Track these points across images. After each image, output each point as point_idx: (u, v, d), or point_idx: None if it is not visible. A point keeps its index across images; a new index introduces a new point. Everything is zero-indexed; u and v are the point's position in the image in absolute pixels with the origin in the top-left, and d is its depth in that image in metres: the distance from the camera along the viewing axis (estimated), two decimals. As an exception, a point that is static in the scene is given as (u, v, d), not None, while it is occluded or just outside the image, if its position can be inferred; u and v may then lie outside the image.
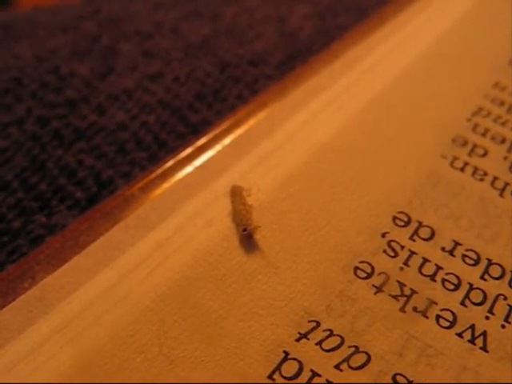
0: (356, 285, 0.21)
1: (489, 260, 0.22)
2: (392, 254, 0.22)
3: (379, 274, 0.21)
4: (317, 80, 0.31)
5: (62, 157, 0.28)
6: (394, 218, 0.23)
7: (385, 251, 0.22)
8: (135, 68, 0.33)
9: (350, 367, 0.19)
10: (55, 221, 0.25)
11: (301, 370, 0.19)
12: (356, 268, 0.21)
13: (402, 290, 0.21)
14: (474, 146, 0.26)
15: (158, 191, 0.25)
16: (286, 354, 0.19)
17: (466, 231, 0.23)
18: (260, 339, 0.19)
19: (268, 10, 0.38)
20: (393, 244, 0.22)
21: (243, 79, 0.33)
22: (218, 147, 0.27)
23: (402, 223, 0.23)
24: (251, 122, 0.29)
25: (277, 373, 0.19)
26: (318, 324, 0.20)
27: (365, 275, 0.21)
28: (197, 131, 0.30)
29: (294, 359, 0.19)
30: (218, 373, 0.19)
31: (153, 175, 0.26)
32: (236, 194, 0.23)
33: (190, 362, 0.19)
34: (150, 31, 0.35)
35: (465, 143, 0.26)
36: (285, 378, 0.19)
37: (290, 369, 0.19)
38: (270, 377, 0.18)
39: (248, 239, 0.22)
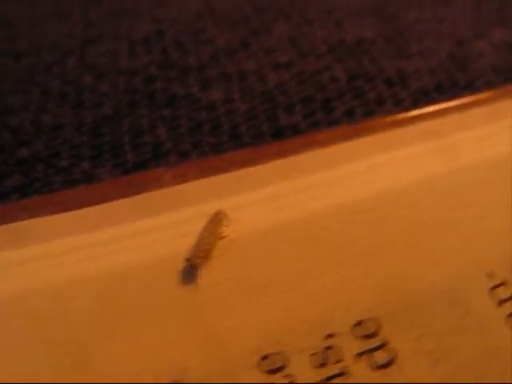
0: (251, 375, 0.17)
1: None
2: (319, 363, 0.17)
3: (286, 376, 0.17)
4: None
5: (141, 117, 0.28)
6: (357, 325, 0.18)
7: (314, 355, 0.18)
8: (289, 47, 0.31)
9: None
10: (97, 173, 0.26)
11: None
12: (265, 357, 0.18)
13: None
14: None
15: (189, 183, 0.24)
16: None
17: None
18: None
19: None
20: (330, 352, 0.18)
21: (368, 95, 0.28)
22: (275, 161, 0.25)
23: (367, 333, 0.18)
24: (331, 149, 0.25)
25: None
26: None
27: (268, 369, 0.17)
28: (280, 136, 0.27)
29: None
30: None
31: (193, 167, 0.25)
32: (214, 219, 0.21)
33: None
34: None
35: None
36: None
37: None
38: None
39: (190, 269, 0.20)
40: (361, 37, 0.31)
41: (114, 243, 0.22)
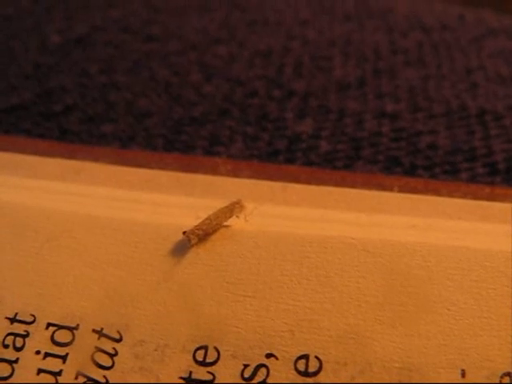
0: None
1: None
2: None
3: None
4: None
5: (224, 127, 0.28)
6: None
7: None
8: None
9: None
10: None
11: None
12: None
13: None
14: None
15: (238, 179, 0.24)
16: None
17: None
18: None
19: None
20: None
21: (460, 175, 0.25)
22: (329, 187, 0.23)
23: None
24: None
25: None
26: None
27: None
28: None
29: None
30: None
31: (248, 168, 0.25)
32: (229, 206, 0.21)
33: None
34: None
35: None
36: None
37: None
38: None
39: (188, 242, 0.20)
40: (487, 108, 0.28)
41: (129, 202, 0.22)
